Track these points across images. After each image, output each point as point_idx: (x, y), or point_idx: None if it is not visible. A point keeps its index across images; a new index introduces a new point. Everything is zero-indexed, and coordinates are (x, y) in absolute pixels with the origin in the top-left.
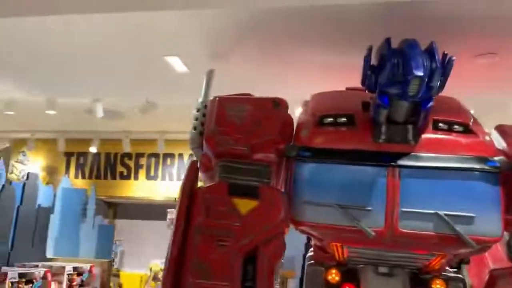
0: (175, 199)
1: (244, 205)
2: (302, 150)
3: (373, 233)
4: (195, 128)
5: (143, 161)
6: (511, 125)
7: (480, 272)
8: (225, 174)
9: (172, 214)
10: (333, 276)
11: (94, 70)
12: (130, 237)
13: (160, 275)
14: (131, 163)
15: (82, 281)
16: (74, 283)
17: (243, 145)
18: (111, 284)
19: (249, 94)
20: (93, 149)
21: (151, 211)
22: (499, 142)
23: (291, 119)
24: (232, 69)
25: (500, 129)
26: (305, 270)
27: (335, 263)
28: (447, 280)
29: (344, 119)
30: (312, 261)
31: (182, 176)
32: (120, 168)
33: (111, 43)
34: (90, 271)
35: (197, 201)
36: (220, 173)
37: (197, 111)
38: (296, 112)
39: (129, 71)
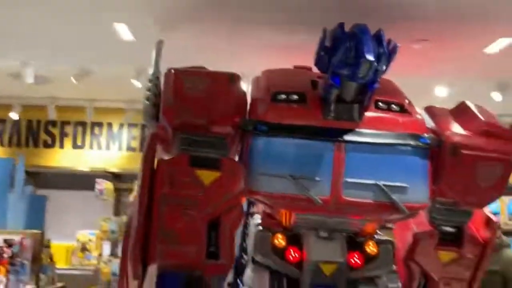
0: (104, 169)
1: (207, 176)
2: (258, 125)
3: (320, 201)
4: (148, 100)
5: (69, 129)
6: (439, 107)
7: (405, 235)
8: (184, 146)
9: (100, 184)
10: (279, 240)
11: (24, 29)
12: (54, 208)
13: (88, 245)
14: (56, 131)
15: (12, 253)
16: (5, 255)
17: (201, 118)
18: (43, 256)
19: (202, 67)
20: (14, 115)
21: (77, 181)
22: (428, 122)
23: (245, 94)
24: (182, 43)
25: (429, 110)
26: (254, 236)
27: (281, 229)
28: (378, 242)
29: (296, 97)
30: (261, 228)
31: (111, 146)
32: (43, 136)
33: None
34: (21, 242)
35: (159, 173)
36: (179, 145)
37: (150, 82)
38: (245, 87)
39: (67, 33)
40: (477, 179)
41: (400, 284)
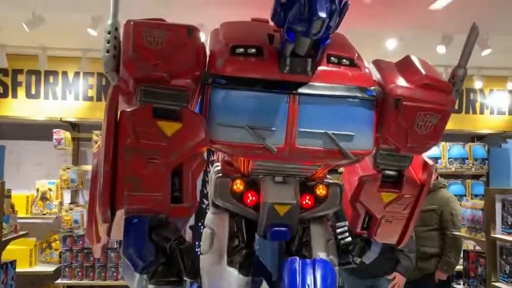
0: (61, 118)
1: (169, 127)
2: (217, 78)
3: (275, 149)
4: (108, 51)
5: (21, 78)
6: (385, 60)
7: (352, 179)
8: (146, 98)
9: (58, 134)
10: (238, 185)
11: None
12: (11, 158)
13: (48, 195)
14: (8, 80)
15: None
16: None
17: (162, 71)
18: (4, 206)
19: (161, 19)
20: None
21: (33, 131)
22: (375, 74)
23: (204, 47)
24: None
25: (376, 63)
26: (214, 182)
27: (239, 175)
28: (327, 185)
29: (253, 50)
30: (220, 174)
31: (68, 95)
32: None
33: None
34: None
35: (123, 124)
36: (141, 97)
37: (108, 33)
38: (205, 39)
39: None
40: (416, 128)
41: (347, 222)
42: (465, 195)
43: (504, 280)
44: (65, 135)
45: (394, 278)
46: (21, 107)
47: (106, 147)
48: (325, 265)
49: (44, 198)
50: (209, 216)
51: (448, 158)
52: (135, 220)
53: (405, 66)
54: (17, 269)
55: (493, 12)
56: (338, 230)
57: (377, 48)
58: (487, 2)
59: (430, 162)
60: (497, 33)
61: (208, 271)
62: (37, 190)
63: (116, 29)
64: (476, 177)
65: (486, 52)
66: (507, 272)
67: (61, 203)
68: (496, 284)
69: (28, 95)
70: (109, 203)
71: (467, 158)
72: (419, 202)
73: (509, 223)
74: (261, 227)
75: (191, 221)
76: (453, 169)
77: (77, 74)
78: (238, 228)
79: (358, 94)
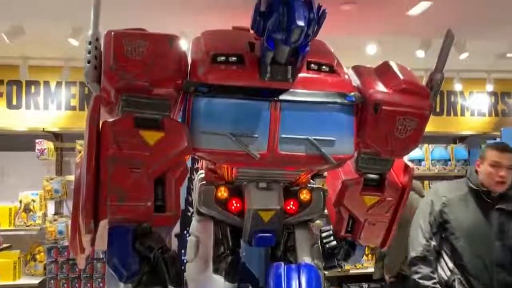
0: (43, 129)
1: (151, 136)
2: (199, 86)
3: (258, 156)
4: (89, 62)
5: (2, 88)
6: (365, 66)
7: (335, 183)
8: (128, 108)
9: (40, 144)
10: (222, 192)
11: None
12: None
13: (32, 206)
14: None
15: None
16: None
17: (143, 80)
18: None
19: (142, 29)
20: None
21: (15, 142)
22: (355, 80)
23: (186, 55)
24: (121, 2)
25: (356, 69)
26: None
27: (223, 182)
28: (311, 190)
29: (234, 58)
30: (204, 182)
31: (50, 105)
32: None
33: None
34: None
35: (105, 134)
36: (122, 107)
37: (89, 44)
38: (186, 46)
39: None
40: (396, 132)
41: (331, 226)
42: None
43: None
44: (48, 145)
45: None
46: (3, 118)
47: (88, 158)
48: (310, 269)
49: (27, 209)
50: (194, 223)
51: (431, 160)
52: (118, 230)
53: (383, 71)
54: (1, 283)
55: (469, 17)
56: (323, 234)
57: (358, 52)
58: (463, 8)
59: (410, 165)
60: (473, 37)
61: (194, 278)
62: (20, 201)
63: (97, 39)
64: (459, 178)
65: (464, 55)
66: None
67: (45, 214)
68: None
69: (10, 105)
70: (92, 214)
71: (450, 160)
72: (401, 205)
73: None
74: (246, 234)
75: (177, 229)
76: (436, 171)
77: (59, 83)
78: (223, 235)
79: (338, 100)
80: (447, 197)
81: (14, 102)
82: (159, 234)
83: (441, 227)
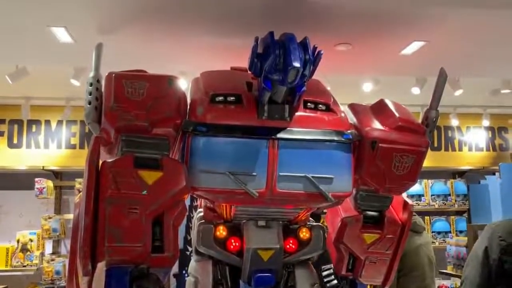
0: (43, 167)
1: (150, 176)
2: (198, 126)
3: (256, 194)
4: (89, 103)
5: (4, 127)
6: (360, 104)
7: (334, 220)
8: (127, 148)
9: (40, 183)
10: (221, 231)
11: None
12: None
13: (29, 245)
14: None
15: None
16: None
17: (143, 120)
18: None
19: (143, 71)
20: None
21: (15, 181)
22: (351, 118)
23: (185, 95)
24: (121, 44)
25: (352, 107)
26: (197, 229)
27: (222, 221)
28: (310, 228)
29: (233, 98)
30: (203, 221)
31: (50, 144)
32: None
33: None
34: None
35: (104, 174)
36: (122, 147)
37: (90, 85)
38: (183, 87)
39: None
40: (393, 169)
41: (332, 265)
42: (450, 232)
43: None
44: (47, 183)
45: None
46: (3, 157)
47: (87, 199)
48: None
49: (24, 249)
50: (193, 264)
51: (431, 195)
52: (116, 271)
53: (379, 109)
54: None
55: (461, 56)
56: (324, 273)
57: (354, 90)
58: (455, 48)
59: (409, 201)
60: (467, 75)
61: None
62: (18, 241)
63: (98, 81)
64: (460, 213)
65: (459, 92)
66: None
67: (42, 254)
68: None
69: (10, 144)
70: (90, 256)
71: (450, 195)
72: (401, 242)
73: None
74: (245, 274)
75: (175, 268)
76: (436, 206)
77: (60, 122)
78: (222, 275)
79: (335, 138)
80: (507, 241)
81: (15, 141)
82: (157, 276)
83: (502, 279)
